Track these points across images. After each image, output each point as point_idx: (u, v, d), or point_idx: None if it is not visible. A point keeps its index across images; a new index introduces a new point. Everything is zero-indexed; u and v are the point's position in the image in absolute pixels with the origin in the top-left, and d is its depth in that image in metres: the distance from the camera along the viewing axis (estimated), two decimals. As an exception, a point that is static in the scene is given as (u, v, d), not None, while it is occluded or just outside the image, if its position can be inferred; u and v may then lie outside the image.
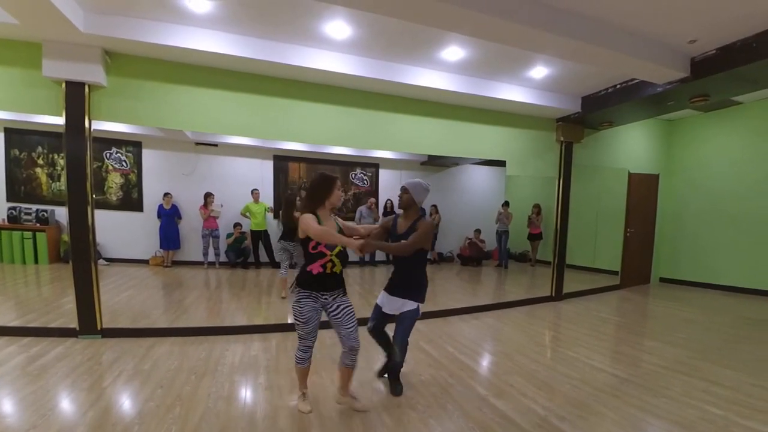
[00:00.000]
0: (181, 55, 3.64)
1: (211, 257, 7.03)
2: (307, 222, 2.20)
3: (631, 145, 6.86)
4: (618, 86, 4.88)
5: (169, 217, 6.84)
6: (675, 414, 2.51)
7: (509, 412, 2.55)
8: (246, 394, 2.69)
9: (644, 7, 3.08)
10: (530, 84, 4.90)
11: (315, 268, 2.28)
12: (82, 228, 3.53)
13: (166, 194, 6.83)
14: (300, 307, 2.30)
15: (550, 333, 4.36)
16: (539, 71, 4.47)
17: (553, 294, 5.83)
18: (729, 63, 3.73)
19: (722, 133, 6.59)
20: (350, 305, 2.42)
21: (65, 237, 6.43)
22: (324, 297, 2.34)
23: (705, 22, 3.30)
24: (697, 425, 2.37)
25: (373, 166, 8.36)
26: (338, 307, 2.37)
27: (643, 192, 6.99)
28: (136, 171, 6.96)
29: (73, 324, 3.57)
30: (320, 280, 2.30)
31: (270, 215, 7.41)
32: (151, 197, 6.94)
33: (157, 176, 6.99)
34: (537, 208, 7.58)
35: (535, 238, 7.71)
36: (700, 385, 2.94)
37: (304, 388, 2.54)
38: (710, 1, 2.96)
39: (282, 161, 7.74)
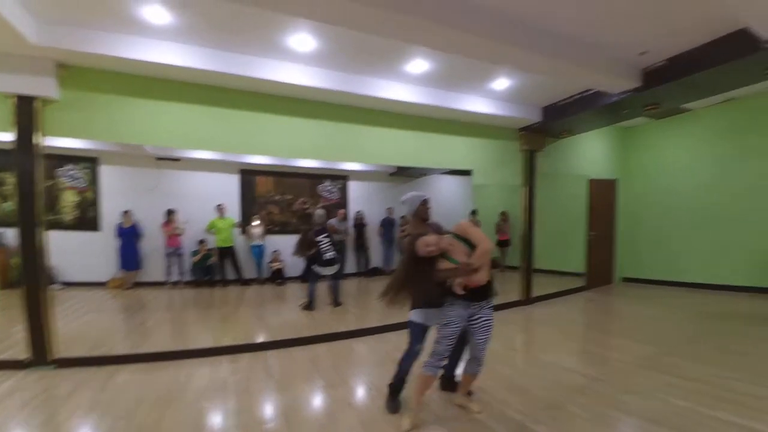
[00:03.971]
0: (140, 67, 3.52)
1: (176, 276, 6.76)
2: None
3: (591, 153, 7.16)
4: (576, 96, 5.10)
5: (129, 236, 6.52)
6: (644, 409, 2.59)
7: (485, 419, 2.56)
8: (216, 420, 2.57)
9: (598, 21, 3.26)
10: (493, 95, 5.05)
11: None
12: (32, 250, 3.32)
13: (125, 212, 6.52)
14: (449, 311, 2.42)
15: (521, 337, 4.43)
16: (501, 83, 4.62)
17: (524, 298, 5.95)
18: (678, 72, 3.97)
19: (675, 139, 6.98)
20: (491, 319, 2.49)
21: (16, 260, 6.03)
22: (474, 306, 2.42)
23: (655, 35, 3.51)
24: (667, 419, 2.46)
25: (342, 178, 8.33)
26: (480, 318, 2.45)
27: (603, 196, 7.30)
28: (92, 188, 6.62)
29: (25, 355, 3.32)
30: (472, 291, 2.38)
31: (237, 230, 7.22)
32: (110, 216, 6.59)
33: (116, 193, 6.66)
34: (504, 216, 7.75)
35: (503, 244, 7.86)
36: (667, 379, 3.05)
37: (415, 403, 2.51)
38: (659, 14, 3.16)
39: (249, 175, 7.58)
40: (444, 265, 2.32)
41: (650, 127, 7.34)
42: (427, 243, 2.24)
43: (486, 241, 2.30)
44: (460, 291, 2.34)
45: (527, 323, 4.96)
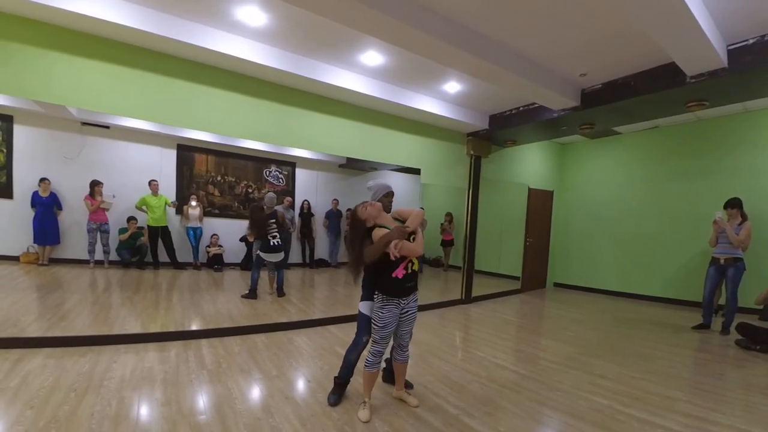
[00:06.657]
0: (65, 18, 3.13)
1: (99, 255, 6.18)
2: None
3: (531, 163, 7.55)
4: (521, 108, 5.34)
5: (46, 206, 5.84)
6: (568, 405, 2.77)
7: (422, 412, 2.59)
8: (138, 411, 2.36)
9: (545, 40, 3.42)
10: (444, 97, 5.14)
11: (399, 272, 2.40)
12: None
13: (42, 180, 5.81)
14: (382, 313, 2.45)
15: (460, 334, 4.56)
16: (452, 86, 4.71)
17: (463, 297, 6.16)
18: (612, 97, 4.28)
19: (604, 159, 7.57)
20: (415, 310, 2.60)
21: None
22: (404, 301, 2.50)
23: (594, 59, 3.76)
24: (587, 415, 2.63)
25: (289, 165, 8.07)
26: (407, 312, 2.54)
27: (540, 206, 7.74)
28: (4, 150, 5.84)
29: None
30: (402, 284, 2.43)
31: (172, 210, 6.76)
32: (24, 183, 5.84)
33: (32, 158, 5.90)
34: (449, 216, 7.98)
35: (447, 244, 8.09)
36: (588, 378, 3.28)
37: (367, 397, 2.56)
38: (598, 41, 3.39)
39: (187, 151, 7.08)
40: (379, 232, 2.39)
41: (584, 145, 7.89)
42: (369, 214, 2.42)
43: (417, 210, 2.47)
44: (397, 254, 2.30)
45: (466, 321, 5.12)
